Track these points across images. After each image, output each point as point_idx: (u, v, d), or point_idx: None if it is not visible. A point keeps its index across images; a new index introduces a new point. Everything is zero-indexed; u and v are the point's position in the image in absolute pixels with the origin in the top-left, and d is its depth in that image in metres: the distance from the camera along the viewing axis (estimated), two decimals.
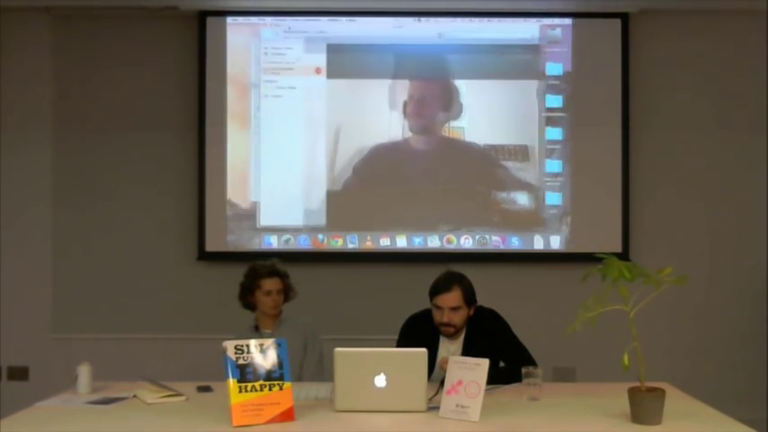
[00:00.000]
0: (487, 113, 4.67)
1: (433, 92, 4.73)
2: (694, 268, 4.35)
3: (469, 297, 3.19)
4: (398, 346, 3.26)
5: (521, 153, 4.66)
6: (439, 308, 3.15)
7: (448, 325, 3.15)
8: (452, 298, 3.13)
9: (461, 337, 3.23)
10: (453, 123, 4.68)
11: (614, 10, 4.65)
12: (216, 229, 4.63)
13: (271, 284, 3.48)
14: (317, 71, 4.66)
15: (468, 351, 3.13)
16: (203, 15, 4.65)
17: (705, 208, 4.73)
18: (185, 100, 4.69)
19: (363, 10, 4.66)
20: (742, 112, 4.71)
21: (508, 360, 3.16)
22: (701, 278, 4.58)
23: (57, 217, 4.70)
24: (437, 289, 3.16)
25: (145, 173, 4.70)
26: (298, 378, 3.36)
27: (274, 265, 3.56)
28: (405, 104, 4.70)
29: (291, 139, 4.66)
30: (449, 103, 4.70)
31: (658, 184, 4.72)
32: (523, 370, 2.83)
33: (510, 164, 4.65)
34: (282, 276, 3.53)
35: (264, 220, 4.64)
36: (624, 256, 4.51)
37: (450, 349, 3.21)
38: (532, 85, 4.67)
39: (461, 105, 4.68)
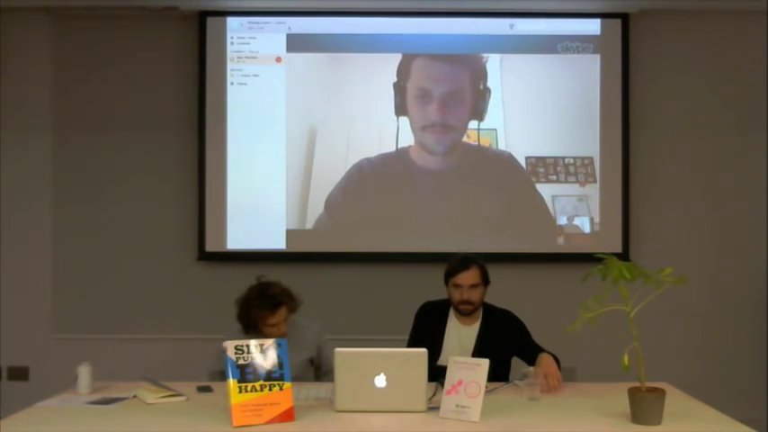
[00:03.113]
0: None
1: (462, 84, 4.61)
2: (694, 268, 4.36)
3: (485, 276, 3.32)
4: (413, 330, 3.40)
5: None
6: (458, 286, 3.26)
7: (467, 302, 3.26)
8: (471, 275, 3.26)
9: (477, 323, 3.31)
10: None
11: (614, 10, 4.65)
12: (216, 229, 4.62)
13: (276, 318, 3.15)
14: (320, 70, 4.67)
15: (484, 339, 3.27)
16: (203, 15, 4.65)
17: (705, 208, 4.73)
18: (185, 100, 4.68)
19: (368, 10, 4.65)
20: (742, 112, 4.71)
21: (532, 357, 3.17)
22: (702, 278, 4.58)
23: (57, 217, 4.69)
24: (455, 269, 3.28)
25: (145, 173, 4.69)
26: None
27: (275, 292, 3.18)
28: (398, 98, 4.60)
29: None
30: (481, 100, 4.60)
31: (658, 185, 4.72)
32: (524, 370, 2.85)
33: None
34: (287, 302, 3.19)
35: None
36: (624, 256, 4.51)
37: (461, 335, 3.30)
38: None
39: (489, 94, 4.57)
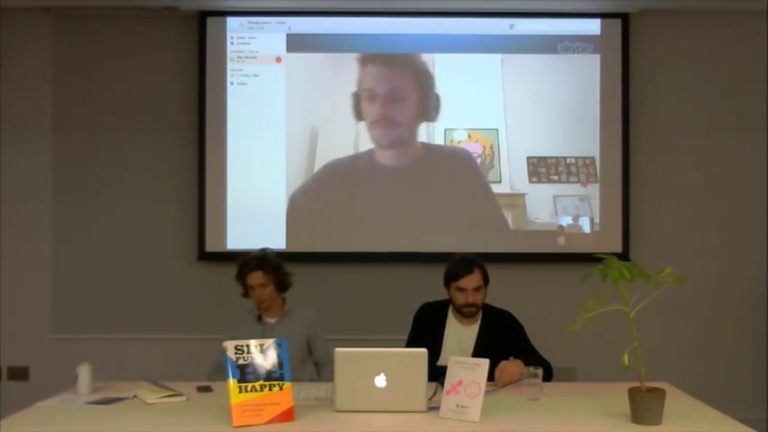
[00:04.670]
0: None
1: (402, 83, 4.65)
2: (694, 268, 4.34)
3: (486, 276, 3.32)
4: (411, 331, 3.40)
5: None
6: (462, 290, 3.25)
7: (472, 305, 3.26)
8: (475, 278, 3.25)
9: (477, 324, 3.31)
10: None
11: (614, 10, 4.65)
12: (216, 229, 4.62)
13: (253, 279, 3.42)
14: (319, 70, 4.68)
15: (484, 340, 3.27)
16: (203, 15, 4.65)
17: (705, 208, 4.73)
18: (185, 100, 4.69)
19: (368, 10, 4.65)
20: (742, 111, 4.71)
21: (526, 362, 3.17)
22: (702, 278, 4.58)
23: (57, 217, 4.69)
24: (458, 273, 3.26)
25: (145, 173, 4.69)
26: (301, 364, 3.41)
27: (260, 257, 3.48)
28: (356, 100, 4.64)
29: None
30: (427, 102, 4.64)
31: (658, 185, 4.72)
32: (524, 370, 2.85)
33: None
34: (267, 269, 3.44)
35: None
36: (624, 256, 4.51)
37: (460, 335, 3.29)
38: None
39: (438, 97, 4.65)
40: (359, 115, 4.64)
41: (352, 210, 4.66)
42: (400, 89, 4.64)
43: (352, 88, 4.65)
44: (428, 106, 4.63)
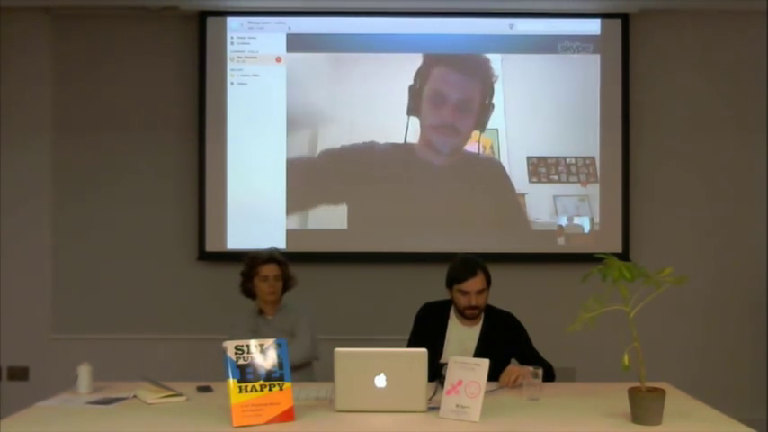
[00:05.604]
0: None
1: (473, 94, 4.67)
2: (694, 268, 4.35)
3: (489, 278, 3.31)
4: (413, 331, 3.39)
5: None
6: (465, 293, 3.25)
7: (475, 308, 3.25)
8: (478, 281, 3.24)
9: (479, 325, 3.31)
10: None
11: (614, 10, 4.65)
12: (216, 229, 4.62)
13: (268, 270, 3.54)
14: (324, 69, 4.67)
15: (485, 341, 3.26)
16: (203, 15, 4.65)
17: (705, 208, 4.73)
18: (185, 100, 4.68)
19: (368, 10, 4.64)
20: (742, 111, 4.71)
21: (528, 363, 3.18)
22: (702, 278, 4.58)
23: (57, 217, 4.69)
24: (462, 275, 3.25)
25: (145, 173, 4.69)
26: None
27: (272, 251, 3.65)
28: (412, 96, 4.64)
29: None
30: (485, 113, 4.67)
31: (658, 185, 4.72)
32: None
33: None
34: (280, 263, 3.60)
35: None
36: (624, 256, 4.51)
37: (462, 336, 3.29)
38: None
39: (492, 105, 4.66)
40: (413, 110, 4.63)
41: (355, 207, 4.66)
42: (470, 99, 4.63)
43: (409, 82, 4.63)
44: (485, 117, 4.64)
